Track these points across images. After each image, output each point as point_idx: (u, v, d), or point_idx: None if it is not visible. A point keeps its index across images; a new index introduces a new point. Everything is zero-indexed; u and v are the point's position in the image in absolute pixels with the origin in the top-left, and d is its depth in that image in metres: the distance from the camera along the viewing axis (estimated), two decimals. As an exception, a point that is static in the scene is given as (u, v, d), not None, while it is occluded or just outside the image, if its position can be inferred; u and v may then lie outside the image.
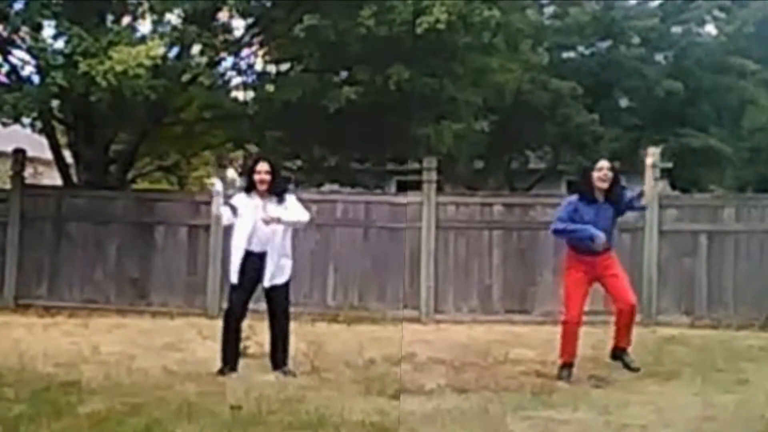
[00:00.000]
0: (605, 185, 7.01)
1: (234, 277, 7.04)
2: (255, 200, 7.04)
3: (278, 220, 6.92)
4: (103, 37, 10.35)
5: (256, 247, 6.99)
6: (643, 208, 7.76)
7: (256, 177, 7.01)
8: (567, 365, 7.12)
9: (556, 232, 7.24)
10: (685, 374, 7.25)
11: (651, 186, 7.40)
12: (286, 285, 7.16)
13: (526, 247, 11.45)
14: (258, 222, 6.95)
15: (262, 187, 7.02)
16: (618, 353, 7.27)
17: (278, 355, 7.07)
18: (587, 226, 6.95)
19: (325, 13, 11.48)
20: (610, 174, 6.99)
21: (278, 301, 7.12)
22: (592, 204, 7.04)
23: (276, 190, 7.07)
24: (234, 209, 7.12)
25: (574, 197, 7.18)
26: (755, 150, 22.25)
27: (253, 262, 6.98)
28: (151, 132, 13.49)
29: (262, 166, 7.04)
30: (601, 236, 6.90)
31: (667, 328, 10.07)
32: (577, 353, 7.16)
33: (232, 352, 7.01)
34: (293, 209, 7.08)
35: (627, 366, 7.22)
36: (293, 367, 7.10)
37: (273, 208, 6.97)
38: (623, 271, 7.28)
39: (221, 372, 6.95)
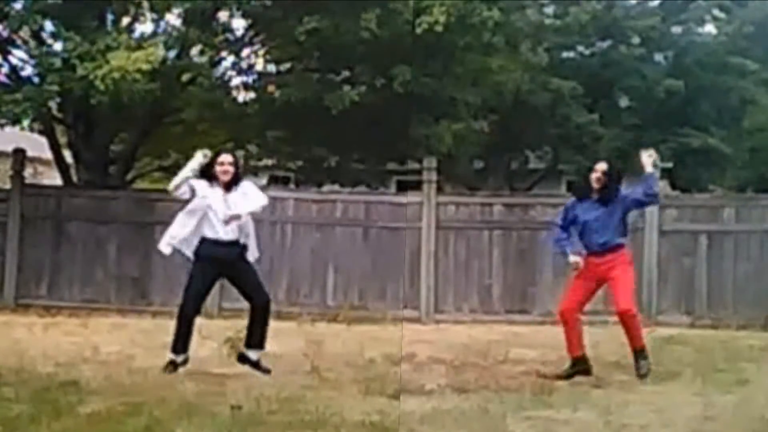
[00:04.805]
0: (598, 185, 7.29)
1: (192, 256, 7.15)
2: (217, 192, 7.02)
3: (239, 217, 6.94)
4: (101, 40, 10.33)
5: (223, 236, 6.99)
6: (651, 197, 7.56)
7: (219, 168, 6.99)
8: (575, 361, 7.07)
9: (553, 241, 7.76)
10: (685, 374, 7.24)
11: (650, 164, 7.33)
12: (252, 266, 7.17)
13: (526, 247, 11.47)
14: (222, 214, 6.95)
15: (225, 178, 6.99)
16: (636, 355, 7.11)
17: (254, 336, 7.06)
18: (564, 244, 7.37)
19: (327, 14, 11.47)
20: (602, 177, 7.25)
21: (247, 280, 7.11)
22: (586, 201, 7.35)
23: (235, 181, 7.06)
24: (193, 191, 7.10)
25: (572, 199, 7.56)
26: (755, 150, 22.20)
27: (219, 250, 6.99)
28: (151, 132, 13.49)
29: (226, 158, 7.08)
30: (571, 259, 7.22)
31: (667, 328, 10.06)
32: (584, 349, 7.10)
33: (183, 341, 7.01)
34: (251, 195, 7.08)
35: (636, 370, 7.10)
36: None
37: (234, 200, 6.96)
38: (626, 273, 7.24)
39: (172, 364, 6.93)
